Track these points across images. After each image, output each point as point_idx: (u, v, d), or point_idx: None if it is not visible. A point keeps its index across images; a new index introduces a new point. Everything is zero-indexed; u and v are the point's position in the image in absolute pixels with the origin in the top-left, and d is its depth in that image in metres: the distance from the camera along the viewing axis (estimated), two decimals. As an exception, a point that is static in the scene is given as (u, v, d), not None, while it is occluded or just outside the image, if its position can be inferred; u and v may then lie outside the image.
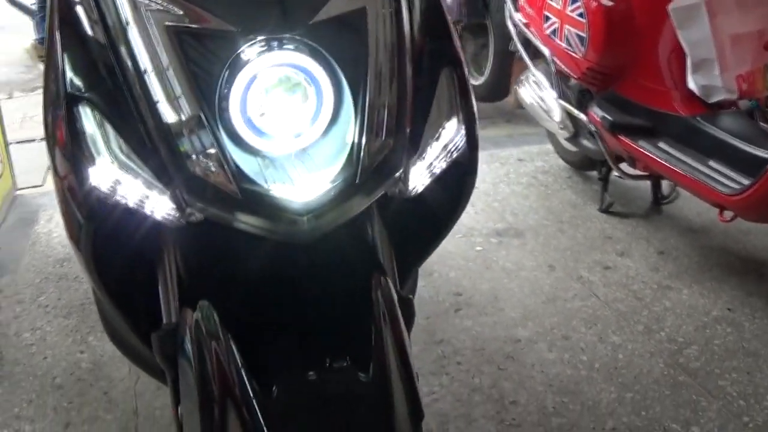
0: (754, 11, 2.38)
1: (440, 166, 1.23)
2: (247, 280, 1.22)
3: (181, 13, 1.11)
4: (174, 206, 1.11)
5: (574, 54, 2.81)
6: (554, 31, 2.93)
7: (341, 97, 1.11)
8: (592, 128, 2.80)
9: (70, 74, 1.16)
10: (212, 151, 1.08)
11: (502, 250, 2.77)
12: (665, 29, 2.51)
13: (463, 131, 1.25)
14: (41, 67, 2.73)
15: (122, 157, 1.12)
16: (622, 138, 2.62)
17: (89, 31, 1.17)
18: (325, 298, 1.22)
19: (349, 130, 1.11)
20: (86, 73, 1.16)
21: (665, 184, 3.04)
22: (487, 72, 4.20)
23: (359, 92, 1.12)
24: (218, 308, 1.15)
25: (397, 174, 1.16)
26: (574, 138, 3.06)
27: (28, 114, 4.37)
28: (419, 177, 1.21)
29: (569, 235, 2.88)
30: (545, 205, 3.14)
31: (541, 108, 3.23)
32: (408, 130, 1.17)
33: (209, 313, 1.14)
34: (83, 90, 1.15)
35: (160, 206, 1.11)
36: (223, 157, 1.07)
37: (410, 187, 1.19)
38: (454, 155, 1.24)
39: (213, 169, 1.08)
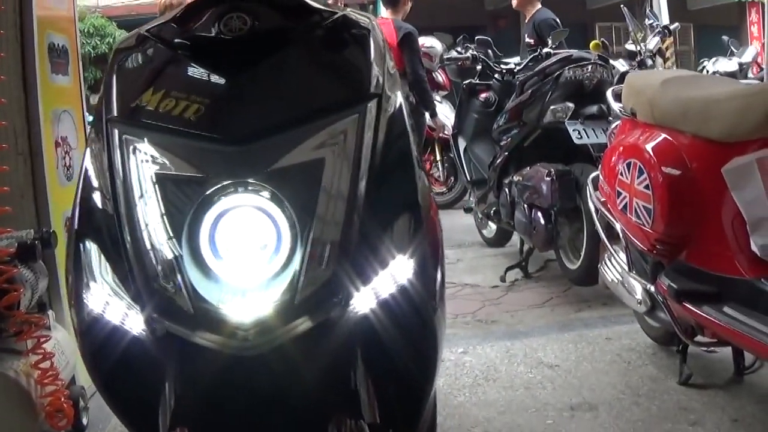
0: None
1: (386, 293, 1.35)
2: (230, 407, 1.35)
3: (167, 162, 1.34)
4: (144, 323, 1.29)
5: (643, 226, 2.81)
6: (625, 206, 2.95)
7: (297, 235, 1.28)
8: (660, 299, 2.75)
9: (83, 218, 1.42)
10: (175, 276, 1.26)
11: (572, 423, 2.69)
12: (725, 193, 2.48)
13: (413, 268, 1.37)
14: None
15: (111, 284, 1.33)
16: (687, 305, 2.55)
17: (100, 202, 1.41)
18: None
19: (295, 260, 1.28)
20: (93, 218, 1.41)
21: (748, 354, 2.89)
22: (582, 256, 4.19)
23: (305, 229, 1.28)
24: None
25: (336, 299, 1.29)
26: (651, 312, 2.99)
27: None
28: (362, 303, 1.33)
29: (643, 407, 2.77)
30: (624, 380, 3.05)
31: (622, 285, 3.19)
32: (351, 263, 1.30)
33: None
34: (88, 230, 1.40)
35: (136, 323, 1.30)
36: (182, 281, 1.26)
37: (350, 311, 1.31)
38: (405, 287, 1.36)
39: (173, 290, 1.26)
